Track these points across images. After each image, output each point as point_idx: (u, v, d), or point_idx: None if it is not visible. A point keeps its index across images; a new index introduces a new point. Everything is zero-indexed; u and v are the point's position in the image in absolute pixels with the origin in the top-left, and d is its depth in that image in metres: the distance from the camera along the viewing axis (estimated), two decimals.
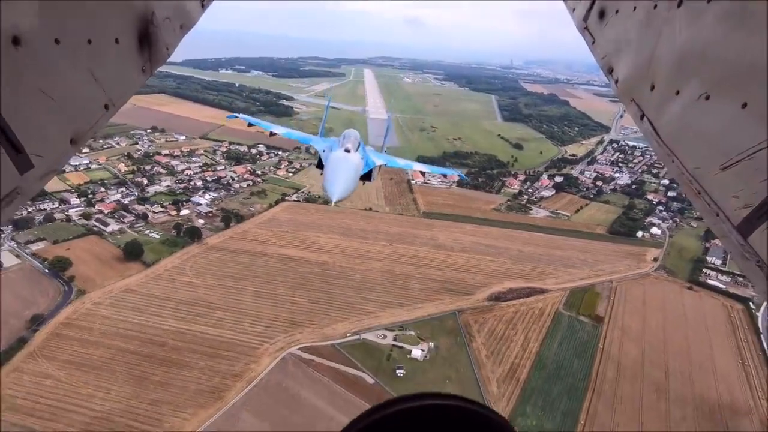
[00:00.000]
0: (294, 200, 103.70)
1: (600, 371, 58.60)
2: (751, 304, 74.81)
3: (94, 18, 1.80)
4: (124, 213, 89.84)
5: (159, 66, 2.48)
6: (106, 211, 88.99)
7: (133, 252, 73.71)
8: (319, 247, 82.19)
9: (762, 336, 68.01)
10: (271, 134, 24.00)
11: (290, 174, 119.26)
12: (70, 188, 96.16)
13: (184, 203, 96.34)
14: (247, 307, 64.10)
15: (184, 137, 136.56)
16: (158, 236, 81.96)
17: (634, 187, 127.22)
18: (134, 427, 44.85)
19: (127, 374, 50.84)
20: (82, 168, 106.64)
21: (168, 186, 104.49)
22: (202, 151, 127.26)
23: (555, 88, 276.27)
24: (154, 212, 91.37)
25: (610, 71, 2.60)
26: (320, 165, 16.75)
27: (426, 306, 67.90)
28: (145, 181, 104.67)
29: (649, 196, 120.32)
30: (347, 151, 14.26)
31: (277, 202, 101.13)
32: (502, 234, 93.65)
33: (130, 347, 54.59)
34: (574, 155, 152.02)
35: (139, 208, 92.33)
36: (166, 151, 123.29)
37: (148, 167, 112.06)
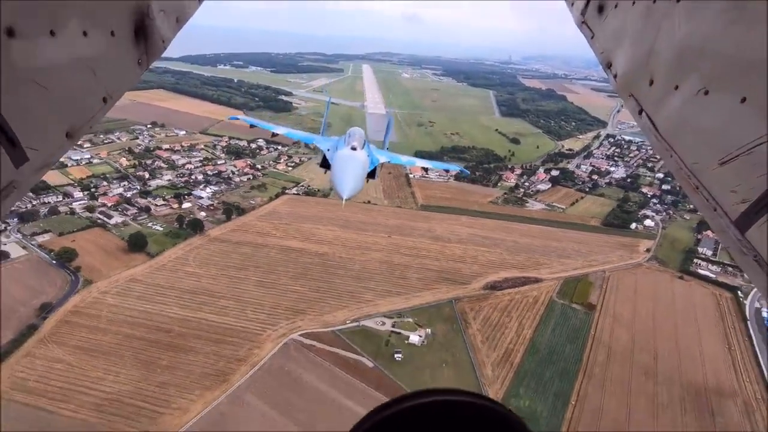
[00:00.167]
0: (294, 193, 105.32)
1: (591, 356, 60.70)
2: (739, 292, 76.97)
3: (89, 10, 1.81)
4: (127, 206, 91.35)
5: (155, 59, 2.51)
6: (109, 204, 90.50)
7: (137, 243, 75.37)
8: (319, 239, 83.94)
9: (749, 323, 70.22)
10: (273, 135, 25.06)
11: (290, 168, 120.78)
12: (72, 182, 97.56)
13: (186, 196, 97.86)
14: (249, 296, 65.93)
15: (184, 132, 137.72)
16: (161, 228, 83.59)
17: (629, 180, 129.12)
18: (143, 408, 46.75)
19: (135, 359, 52.72)
20: (83, 162, 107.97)
21: (169, 180, 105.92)
22: (202, 146, 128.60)
23: (553, 84, 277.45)
24: (156, 205, 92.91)
25: (608, 66, 2.62)
26: (324, 164, 16.91)
27: (423, 295, 69.83)
28: (147, 175, 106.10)
29: (644, 189, 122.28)
30: (353, 149, 14.31)
31: (277, 196, 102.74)
32: (499, 226, 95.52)
33: (137, 333, 56.42)
34: (570, 150, 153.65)
35: (142, 201, 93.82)
36: (166, 146, 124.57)
37: (149, 161, 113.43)
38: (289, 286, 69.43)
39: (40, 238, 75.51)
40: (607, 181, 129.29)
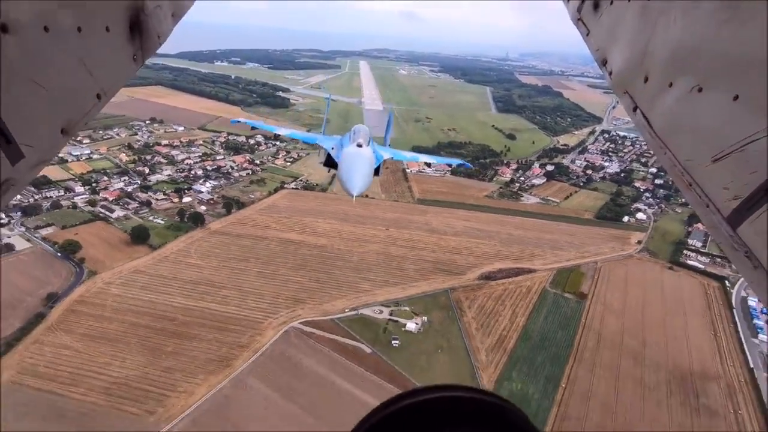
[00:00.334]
0: (292, 188, 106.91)
1: (582, 342, 62.85)
2: (726, 282, 79.30)
3: (83, 5, 1.79)
4: (128, 200, 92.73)
5: (150, 55, 2.49)
6: (110, 199, 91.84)
7: (139, 236, 76.87)
8: (318, 232, 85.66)
9: (735, 311, 72.60)
10: (276, 136, 25.97)
11: (288, 163, 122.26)
12: (73, 177, 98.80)
13: (186, 191, 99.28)
14: (250, 286, 67.66)
15: (182, 128, 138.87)
16: (162, 222, 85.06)
17: (622, 175, 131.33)
18: (151, 391, 48.53)
19: (141, 345, 54.42)
20: (83, 158, 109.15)
21: (169, 175, 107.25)
22: (201, 142, 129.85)
23: (549, 80, 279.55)
24: (157, 199, 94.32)
25: (604, 63, 2.61)
26: (328, 163, 17.04)
27: (420, 285, 71.75)
28: (147, 170, 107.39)
29: (637, 184, 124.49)
30: (359, 146, 14.41)
31: (276, 190, 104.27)
32: (494, 219, 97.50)
33: (141, 322, 58.08)
34: (566, 145, 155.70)
35: (143, 195, 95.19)
36: (165, 142, 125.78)
37: (148, 157, 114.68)
38: (289, 276, 71.20)
39: (43, 231, 76.90)
40: (601, 175, 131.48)
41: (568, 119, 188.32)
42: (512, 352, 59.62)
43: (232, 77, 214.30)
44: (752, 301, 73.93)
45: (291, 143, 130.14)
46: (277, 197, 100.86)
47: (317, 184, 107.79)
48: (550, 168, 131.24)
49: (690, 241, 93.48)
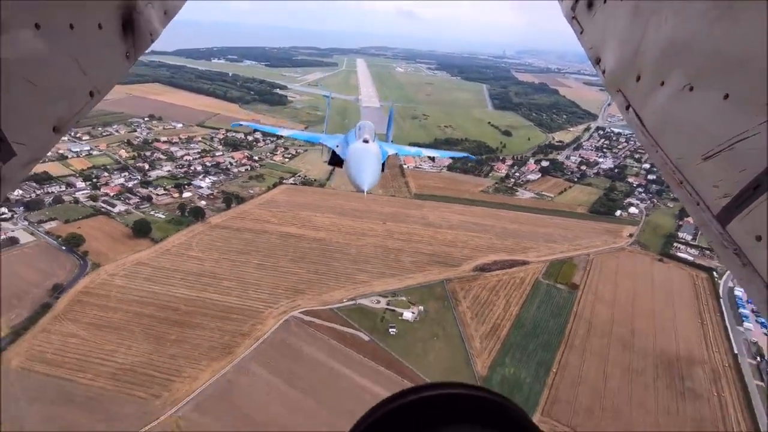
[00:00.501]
0: (291, 183, 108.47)
1: (573, 330, 64.94)
2: (714, 273, 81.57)
3: (75, 3, 1.79)
4: (129, 195, 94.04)
5: (143, 53, 2.50)
6: (111, 194, 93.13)
7: (141, 230, 78.31)
8: (317, 226, 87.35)
9: (721, 300, 74.94)
10: (278, 137, 26.94)
11: (286, 159, 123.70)
12: (74, 173, 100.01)
13: (186, 186, 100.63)
14: (251, 278, 69.34)
15: (181, 125, 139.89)
16: (163, 216, 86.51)
17: (616, 170, 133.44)
18: (156, 376, 50.22)
19: (145, 333, 56.04)
20: (83, 154, 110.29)
21: (169, 171, 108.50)
22: (199, 138, 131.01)
23: (546, 78, 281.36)
24: (157, 195, 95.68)
25: (597, 61, 2.63)
26: (332, 161, 17.11)
27: (416, 276, 73.64)
28: (147, 166, 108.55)
29: (630, 179, 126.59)
30: (366, 141, 14.54)
31: (275, 185, 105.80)
32: (489, 213, 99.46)
33: (145, 311, 59.67)
34: (561, 141, 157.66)
35: (143, 191, 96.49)
36: (164, 138, 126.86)
37: (148, 153, 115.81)
38: (289, 268, 72.91)
39: (47, 225, 78.19)
40: (595, 171, 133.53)
41: (564, 116, 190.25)
42: (505, 340, 61.65)
43: (230, 74, 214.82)
44: (738, 291, 76.31)
45: (288, 140, 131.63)
46: (276, 192, 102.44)
47: (315, 180, 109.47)
48: (545, 164, 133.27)
49: (680, 234, 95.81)
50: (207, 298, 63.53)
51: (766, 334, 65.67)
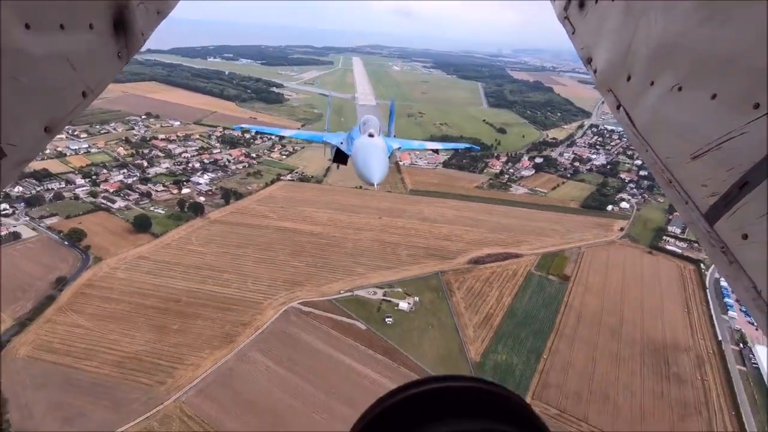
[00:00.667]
0: (288, 180, 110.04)
1: (563, 319, 67.07)
2: (702, 264, 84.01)
3: (66, 3, 1.78)
4: (129, 191, 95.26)
5: (135, 52, 2.49)
6: (111, 190, 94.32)
7: (142, 225, 79.69)
8: (314, 221, 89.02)
9: (708, 290, 77.39)
10: (281, 138, 27.83)
11: (284, 156, 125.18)
12: (73, 170, 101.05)
13: (185, 183, 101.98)
14: (250, 270, 70.97)
15: (178, 123, 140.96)
16: (163, 212, 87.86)
17: (609, 167, 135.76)
18: (160, 364, 51.82)
19: (148, 324, 57.58)
20: (82, 152, 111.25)
21: (167, 168, 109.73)
22: (197, 136, 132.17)
23: (541, 76, 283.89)
24: (156, 191, 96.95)
25: (588, 61, 2.65)
26: (336, 158, 17.13)
27: (412, 268, 75.52)
28: (145, 164, 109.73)
29: (622, 175, 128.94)
30: (371, 135, 14.49)
31: (272, 182, 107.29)
32: (484, 208, 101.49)
33: (148, 303, 61.17)
34: (555, 139, 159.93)
35: (143, 187, 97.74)
36: (162, 136, 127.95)
37: (146, 151, 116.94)
38: (287, 261, 74.58)
39: (48, 221, 79.41)
40: (588, 167, 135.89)
41: (558, 114, 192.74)
42: (498, 328, 63.68)
43: (226, 73, 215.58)
44: (725, 282, 78.77)
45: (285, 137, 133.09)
46: (274, 188, 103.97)
47: (312, 176, 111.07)
48: (538, 160, 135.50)
49: (670, 228, 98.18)
50: (207, 290, 65.11)
51: (749, 322, 68.14)
